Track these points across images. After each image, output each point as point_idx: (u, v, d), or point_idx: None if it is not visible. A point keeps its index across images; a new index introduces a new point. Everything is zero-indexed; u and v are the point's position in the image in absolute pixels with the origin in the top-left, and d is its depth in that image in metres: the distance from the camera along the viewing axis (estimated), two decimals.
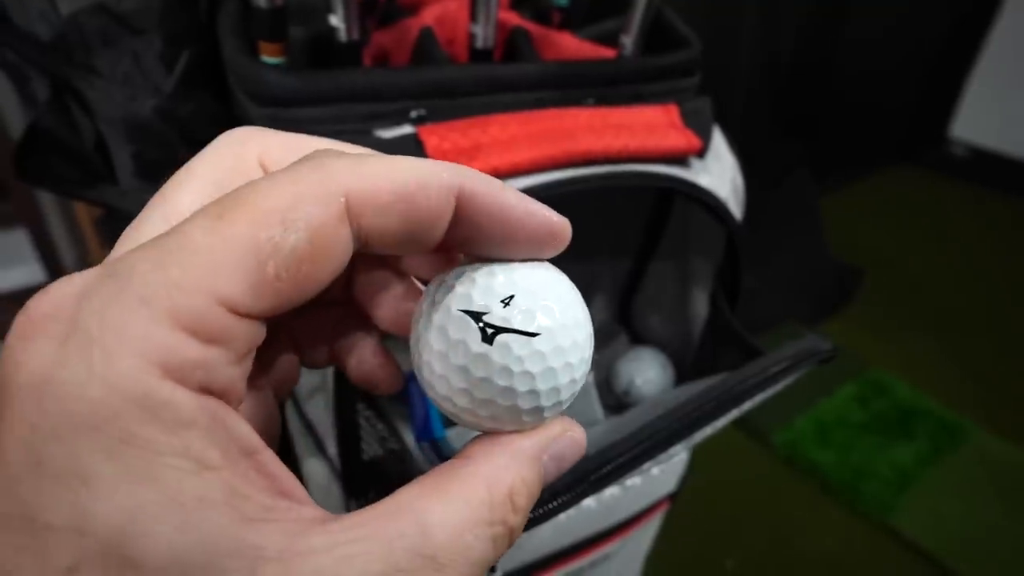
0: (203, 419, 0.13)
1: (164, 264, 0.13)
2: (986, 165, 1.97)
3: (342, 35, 0.37)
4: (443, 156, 0.33)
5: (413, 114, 0.36)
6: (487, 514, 0.15)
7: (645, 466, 0.30)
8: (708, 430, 0.32)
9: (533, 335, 0.16)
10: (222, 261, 0.13)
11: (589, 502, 0.41)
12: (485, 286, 0.17)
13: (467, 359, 0.16)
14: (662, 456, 0.30)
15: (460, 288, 0.17)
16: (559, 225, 0.17)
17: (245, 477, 0.13)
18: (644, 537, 0.53)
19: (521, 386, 0.16)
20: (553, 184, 0.36)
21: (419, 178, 0.15)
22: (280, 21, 0.35)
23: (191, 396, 0.13)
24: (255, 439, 0.14)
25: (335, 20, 0.36)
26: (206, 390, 0.13)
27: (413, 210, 0.15)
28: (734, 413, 0.32)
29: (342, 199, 0.14)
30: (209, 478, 0.12)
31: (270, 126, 0.33)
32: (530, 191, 0.28)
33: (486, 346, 0.16)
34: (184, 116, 0.36)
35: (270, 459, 0.14)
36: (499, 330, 0.16)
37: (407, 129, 0.35)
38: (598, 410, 0.44)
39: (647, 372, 0.48)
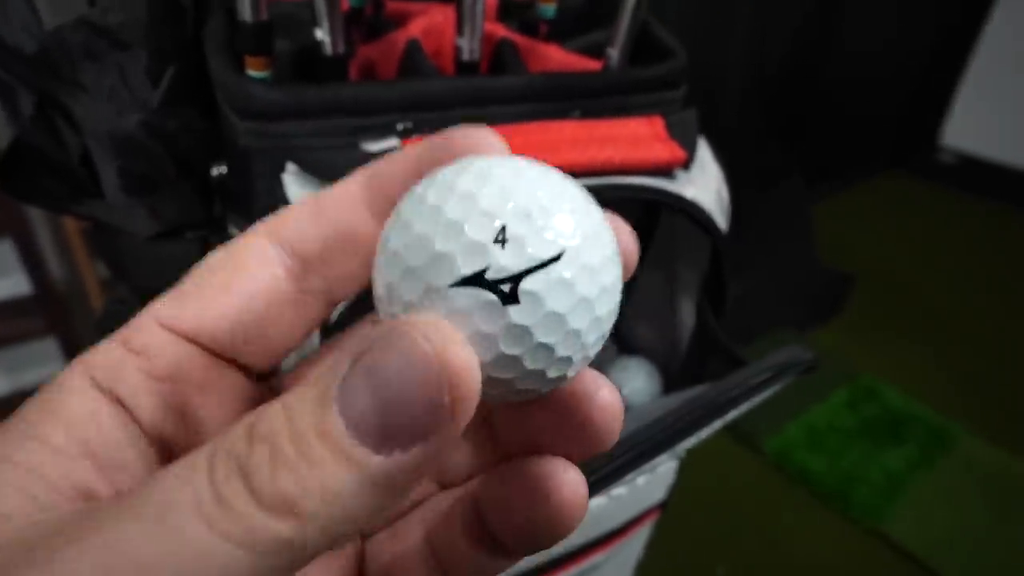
0: None
1: None
2: (975, 172, 1.99)
3: (327, 49, 0.37)
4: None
5: (399, 127, 0.36)
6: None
7: (629, 476, 0.30)
8: (691, 440, 0.32)
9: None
10: None
11: None
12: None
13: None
14: (646, 466, 0.31)
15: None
16: None
17: None
18: (633, 547, 0.53)
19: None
20: None
21: None
22: (266, 35, 0.35)
23: None
24: None
25: (320, 34, 0.36)
26: None
27: None
28: (717, 424, 0.32)
29: None
30: None
31: (256, 140, 0.34)
32: None
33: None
34: (170, 131, 0.36)
35: None
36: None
37: (393, 142, 0.35)
38: None
39: (634, 381, 0.49)
